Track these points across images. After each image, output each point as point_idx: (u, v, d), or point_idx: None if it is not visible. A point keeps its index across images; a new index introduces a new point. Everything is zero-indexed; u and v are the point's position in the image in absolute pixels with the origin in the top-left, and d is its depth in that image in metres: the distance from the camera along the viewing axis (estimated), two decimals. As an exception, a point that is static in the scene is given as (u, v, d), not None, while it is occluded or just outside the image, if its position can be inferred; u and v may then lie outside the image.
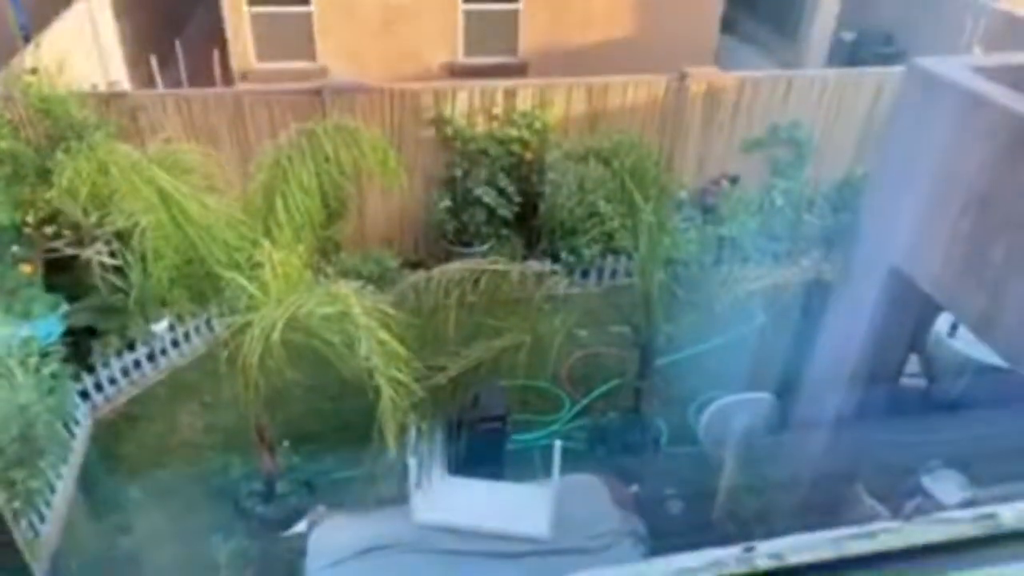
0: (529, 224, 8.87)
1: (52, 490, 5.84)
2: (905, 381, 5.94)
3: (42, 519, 5.60)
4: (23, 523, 5.31)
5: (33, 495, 5.47)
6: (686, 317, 6.25)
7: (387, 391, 4.54)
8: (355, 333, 4.56)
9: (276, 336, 4.56)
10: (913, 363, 6.18)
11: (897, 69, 6.36)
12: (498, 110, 8.61)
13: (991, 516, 0.76)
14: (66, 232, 6.99)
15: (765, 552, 0.57)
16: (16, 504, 5.23)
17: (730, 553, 0.56)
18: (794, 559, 0.58)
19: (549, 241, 8.73)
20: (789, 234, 8.47)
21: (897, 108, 5.18)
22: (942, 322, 6.39)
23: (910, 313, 5.37)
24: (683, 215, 8.40)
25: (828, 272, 6.36)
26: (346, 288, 4.85)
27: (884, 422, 5.89)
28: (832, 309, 5.93)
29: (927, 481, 5.82)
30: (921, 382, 6.19)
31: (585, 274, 8.68)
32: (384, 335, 4.64)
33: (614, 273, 8.75)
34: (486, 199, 8.48)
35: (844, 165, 9.27)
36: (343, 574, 4.90)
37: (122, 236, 6.33)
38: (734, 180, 9.10)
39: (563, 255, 8.48)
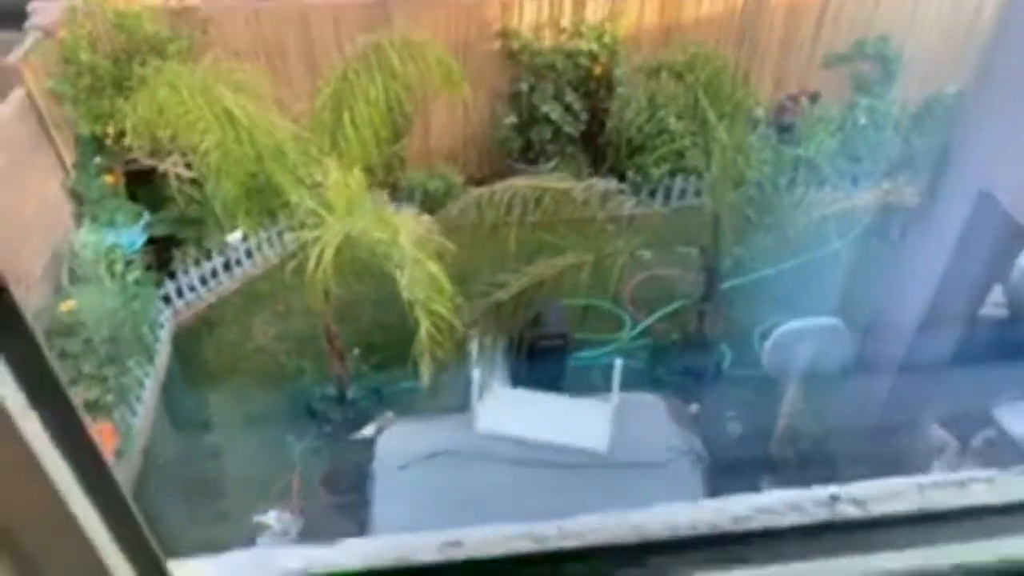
0: (595, 142, 8.67)
1: (142, 387, 6.25)
2: (987, 312, 5.70)
3: (134, 413, 6.03)
4: (116, 416, 5.72)
5: (124, 391, 5.87)
6: (756, 240, 6.09)
7: (425, 324, 4.59)
8: (400, 262, 4.61)
9: (330, 255, 4.66)
10: (997, 293, 5.90)
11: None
12: (566, 22, 8.30)
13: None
14: (139, 136, 7.20)
15: (847, 498, 0.55)
16: (109, 398, 5.63)
17: (810, 496, 0.55)
18: (877, 509, 0.56)
19: (615, 159, 8.54)
20: (871, 155, 8.04)
21: (1006, 21, 4.76)
22: (1031, 251, 6.05)
23: (998, 242, 5.09)
24: (758, 134, 8.05)
25: (911, 196, 6.06)
26: (396, 214, 4.90)
27: (960, 353, 5.70)
28: (913, 235, 5.68)
29: (1000, 413, 5.66)
30: (1003, 313, 5.93)
31: (652, 194, 8.50)
32: (431, 267, 4.66)
33: (682, 193, 8.54)
34: (552, 115, 8.30)
35: (936, 82, 8.66)
36: (409, 476, 5.14)
37: (196, 150, 6.51)
38: (814, 97, 8.62)
39: (630, 174, 8.30)
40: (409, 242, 4.62)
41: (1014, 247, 5.60)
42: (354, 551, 0.51)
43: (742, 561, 0.50)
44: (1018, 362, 5.87)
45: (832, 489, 0.56)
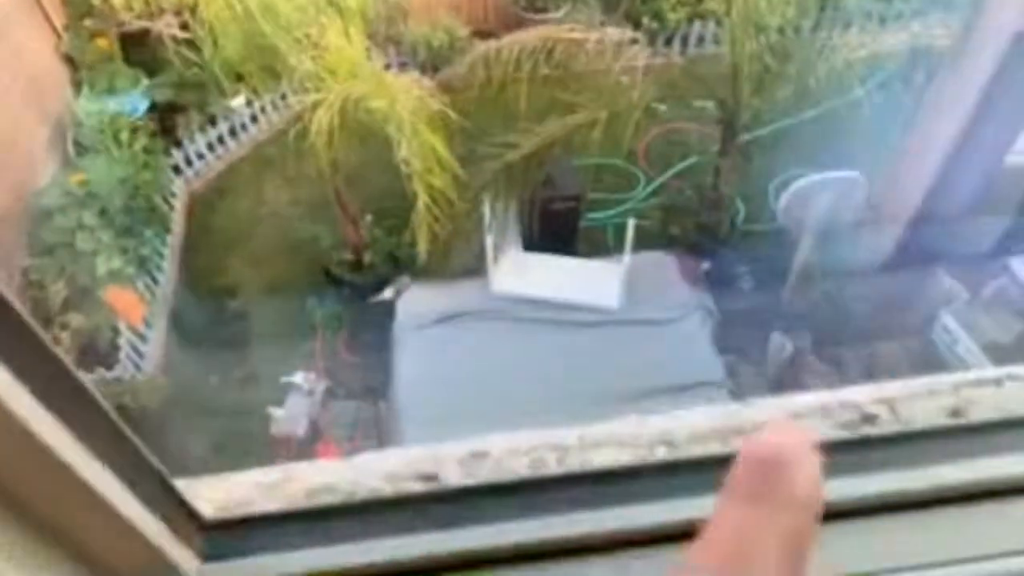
0: (609, -15, 8.14)
1: (161, 257, 6.34)
2: (1012, 159, 5.56)
3: (156, 282, 6.16)
4: (140, 285, 5.86)
5: (144, 261, 5.97)
6: (776, 90, 5.84)
7: (423, 197, 4.52)
8: (397, 134, 4.47)
9: (328, 121, 4.54)
10: (1022, 140, 5.72)
11: None
12: None
13: None
14: (135, 4, 6.86)
15: (874, 398, 0.55)
16: (131, 269, 5.73)
17: (839, 400, 0.55)
18: (907, 418, 0.56)
19: (630, 4, 8.04)
20: (902, -7, 7.52)
21: None
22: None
23: (1031, 85, 4.87)
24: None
25: (941, 38, 5.72)
26: (396, 79, 4.70)
27: (980, 200, 5.62)
28: (942, 78, 5.43)
29: (1016, 263, 5.66)
30: (1028, 161, 5.77)
31: (668, 42, 8.08)
32: (430, 137, 4.52)
33: (700, 40, 8.11)
34: (563, -43, 7.76)
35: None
36: (429, 336, 5.31)
37: (190, 7, 6.19)
38: (846, -73, 7.95)
39: (645, 20, 7.85)
40: (407, 111, 4.47)
41: (1047, 91, 5.35)
42: (376, 468, 0.53)
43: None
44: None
45: (862, 391, 0.56)
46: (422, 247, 4.96)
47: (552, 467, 0.53)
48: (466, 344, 5.24)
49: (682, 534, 0.46)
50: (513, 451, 0.54)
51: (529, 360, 5.08)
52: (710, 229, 6.36)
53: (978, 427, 0.55)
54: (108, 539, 0.43)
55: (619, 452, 0.54)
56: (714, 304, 5.51)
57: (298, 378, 5.62)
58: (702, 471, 0.51)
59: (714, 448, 0.54)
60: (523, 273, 5.58)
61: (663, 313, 5.35)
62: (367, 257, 6.31)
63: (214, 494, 0.54)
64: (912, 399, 0.56)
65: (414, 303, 5.64)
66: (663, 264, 5.69)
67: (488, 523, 0.50)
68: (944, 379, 0.58)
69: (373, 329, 6.02)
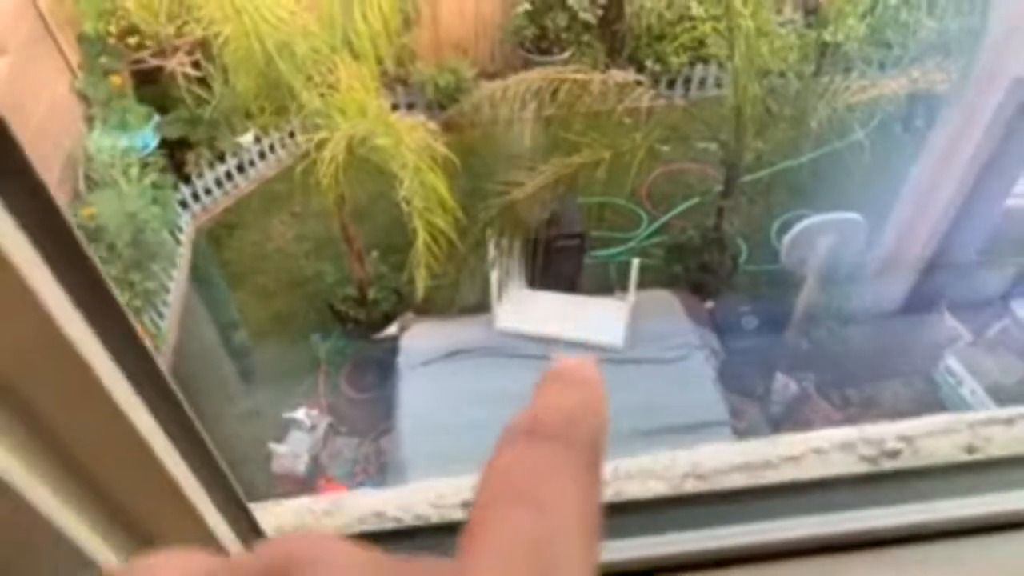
0: (613, 29, 8.32)
1: (167, 291, 6.37)
2: (1012, 202, 5.62)
3: (161, 316, 6.18)
4: (146, 319, 5.88)
5: (151, 295, 6.00)
6: (777, 132, 5.94)
7: (423, 236, 4.57)
8: (401, 172, 4.55)
9: (338, 158, 4.62)
10: (1022, 183, 5.79)
11: None
12: None
13: None
14: (148, 43, 7.01)
15: (894, 434, 0.57)
16: (137, 303, 5.76)
17: (860, 436, 0.57)
18: (925, 450, 0.58)
19: (634, 48, 8.22)
20: (901, 39, 7.67)
21: None
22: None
23: (1030, 130, 4.95)
24: (783, 18, 7.69)
25: (940, 83, 5.83)
26: (402, 120, 4.80)
27: (981, 242, 5.66)
28: (942, 122, 5.51)
29: (1017, 305, 5.68)
30: (1028, 204, 5.84)
31: (671, 84, 8.24)
32: (433, 178, 4.59)
33: (703, 83, 8.27)
34: (568, 1, 7.94)
35: (976, -45, 8.13)
36: (433, 372, 5.31)
37: (203, 46, 6.33)
38: (844, -24, 8.15)
39: (648, 63, 8.02)
40: (411, 151, 4.55)
41: (1046, 136, 5.43)
42: (422, 496, 0.54)
43: (794, 512, 0.53)
44: (1040, 254, 5.83)
45: (881, 429, 0.58)
46: (420, 286, 5.00)
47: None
48: (470, 381, 5.24)
49: (713, 562, 0.47)
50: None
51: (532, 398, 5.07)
52: (713, 269, 6.40)
53: (992, 463, 0.57)
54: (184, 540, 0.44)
55: (652, 484, 0.56)
56: (718, 343, 5.52)
57: (300, 414, 5.61)
58: (730, 502, 0.52)
59: (741, 481, 0.56)
60: (528, 310, 5.61)
61: (668, 352, 5.36)
62: (372, 293, 6.34)
63: (267, 518, 0.55)
64: (930, 436, 0.58)
65: (418, 339, 5.65)
66: (668, 303, 5.72)
67: None
68: (959, 417, 0.61)
69: (377, 365, 6.02)
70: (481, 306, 5.76)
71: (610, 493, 0.56)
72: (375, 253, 6.54)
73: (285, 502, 0.56)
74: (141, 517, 0.40)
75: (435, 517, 0.54)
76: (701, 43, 7.85)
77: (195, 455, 0.45)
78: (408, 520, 0.54)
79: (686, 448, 0.57)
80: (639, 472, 0.56)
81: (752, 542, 0.52)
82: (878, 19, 7.70)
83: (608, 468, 0.56)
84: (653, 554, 0.51)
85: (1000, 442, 0.59)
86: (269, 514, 0.55)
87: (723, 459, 0.57)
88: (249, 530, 0.51)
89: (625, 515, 0.54)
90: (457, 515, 0.54)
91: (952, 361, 5.62)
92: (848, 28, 7.62)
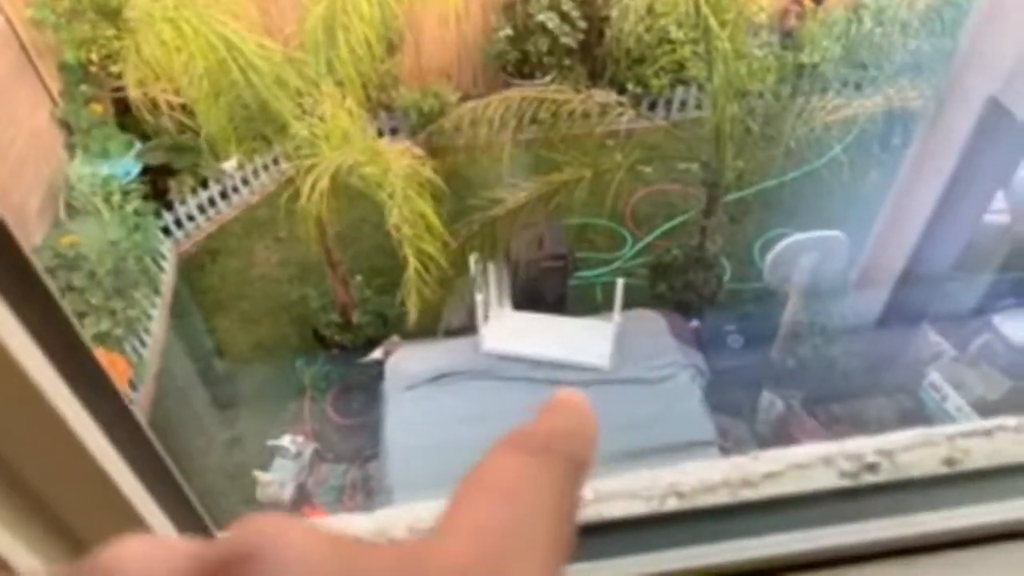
0: (593, 53, 8.43)
1: (149, 319, 6.31)
2: (989, 218, 5.70)
3: (143, 344, 6.12)
4: (127, 347, 5.81)
5: (132, 323, 5.94)
6: (757, 152, 6.01)
7: (413, 262, 4.58)
8: (389, 201, 4.56)
9: (322, 186, 4.63)
10: (999, 200, 5.88)
11: None
12: (562, -76, 7.92)
13: None
14: (147, 78, 7.00)
15: (873, 449, 0.58)
16: (119, 331, 5.70)
17: (840, 450, 0.57)
18: (905, 463, 0.58)
19: (615, 71, 8.31)
20: (876, 60, 7.83)
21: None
22: (1036, 156, 5.99)
23: (1004, 147, 5.04)
24: (760, 41, 7.82)
25: (914, 100, 5.94)
26: (389, 147, 4.82)
27: (960, 259, 5.73)
28: (917, 140, 5.60)
29: (998, 320, 5.74)
30: (1005, 219, 5.93)
31: (652, 106, 8.33)
32: (421, 204, 4.61)
33: (683, 105, 8.37)
34: (549, 25, 8.04)
35: (947, -22, 8.33)
36: (418, 396, 5.27)
37: (183, 76, 6.33)
38: (818, 0, 8.33)
39: (629, 86, 8.11)
40: (399, 177, 4.57)
41: (1018, 153, 5.54)
42: (397, 522, 0.53)
43: (775, 529, 0.53)
44: (1018, 269, 5.91)
45: (860, 443, 0.59)
46: (412, 312, 4.99)
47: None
48: (456, 403, 5.21)
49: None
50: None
51: (520, 419, 5.03)
52: (697, 288, 6.43)
53: (971, 475, 0.57)
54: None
55: (632, 504, 0.55)
56: (704, 362, 5.53)
57: (285, 441, 5.54)
58: (712, 520, 0.52)
59: (723, 498, 0.55)
60: (513, 332, 5.60)
61: (654, 372, 5.36)
62: (356, 317, 6.31)
63: None
64: (909, 449, 0.59)
65: (404, 363, 5.62)
66: (653, 322, 5.73)
67: None
68: (938, 430, 0.61)
69: (362, 390, 5.98)
70: (467, 328, 5.75)
71: (591, 513, 0.55)
72: (359, 277, 6.52)
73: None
74: (73, 519, 0.39)
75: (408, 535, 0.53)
76: (681, 65, 7.96)
77: (137, 454, 0.44)
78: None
79: (667, 467, 0.57)
80: (618, 492, 0.56)
81: (733, 560, 0.51)
82: (852, 41, 7.87)
83: (586, 490, 0.56)
84: (635, 574, 0.51)
85: (980, 454, 0.60)
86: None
87: (703, 476, 0.57)
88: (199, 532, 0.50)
89: (605, 535, 0.54)
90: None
91: (936, 377, 5.66)
92: (823, 50, 7.78)
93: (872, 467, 0.58)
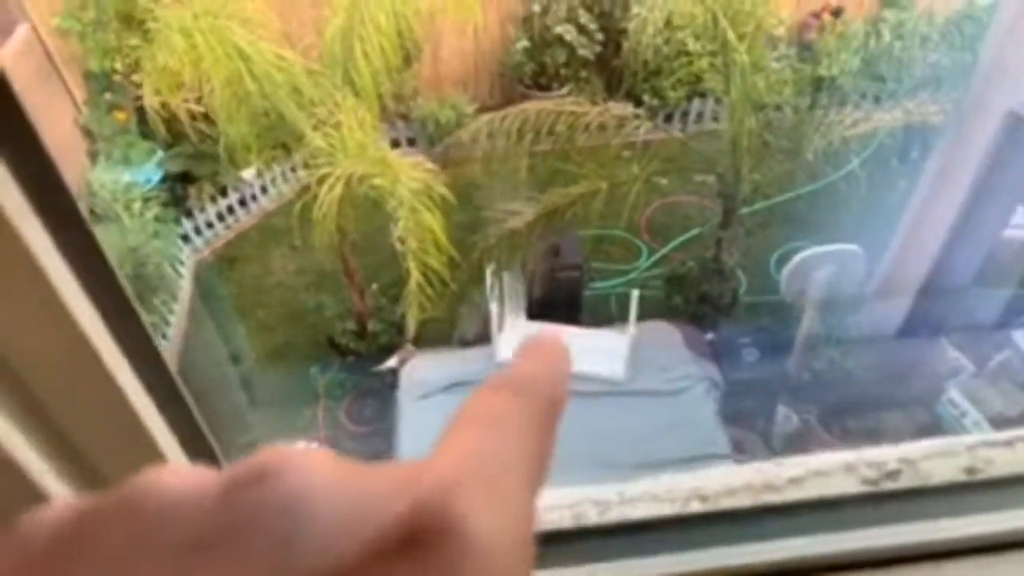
0: (611, 65, 8.45)
1: (167, 324, 6.37)
2: (1008, 233, 5.65)
3: (161, 350, 6.16)
4: (145, 353, 5.86)
5: (152, 329, 6.00)
6: (774, 165, 6.00)
7: (415, 275, 4.60)
8: (396, 212, 4.59)
9: (334, 195, 4.67)
10: (1019, 215, 5.83)
11: None
12: (580, -63, 7.97)
13: None
14: (162, 87, 7.11)
15: (895, 457, 0.58)
16: (137, 336, 5.75)
17: (862, 458, 0.57)
18: (925, 471, 0.58)
19: (632, 83, 8.33)
20: (895, 73, 7.80)
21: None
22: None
23: (1023, 161, 5.00)
24: (778, 53, 7.81)
25: (935, 115, 5.91)
26: (400, 159, 4.86)
27: (980, 274, 5.68)
28: (936, 154, 5.57)
29: (1019, 336, 5.67)
30: (1025, 235, 5.87)
31: (669, 118, 8.33)
32: (429, 218, 4.63)
33: (700, 117, 8.37)
34: (566, 37, 8.08)
35: (967, -7, 8.30)
36: (432, 405, 5.28)
37: (205, 85, 6.42)
38: (837, 13, 8.31)
39: (646, 98, 8.12)
40: (408, 190, 4.60)
41: (1040, 167, 5.49)
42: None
43: (796, 532, 0.53)
44: (1039, 284, 5.84)
45: (881, 452, 0.59)
46: (412, 324, 5.01)
47: (593, 519, 0.55)
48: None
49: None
50: (555, 506, 0.56)
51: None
52: (713, 300, 6.41)
53: (993, 483, 0.57)
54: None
55: (657, 506, 0.56)
56: (719, 375, 5.51)
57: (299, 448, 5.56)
58: (734, 522, 0.53)
59: (745, 502, 0.56)
60: (528, 342, 5.59)
61: (669, 384, 5.34)
62: (371, 326, 6.34)
63: None
64: (930, 458, 0.59)
65: (418, 372, 5.63)
66: (668, 334, 5.71)
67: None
68: (959, 440, 0.61)
69: (376, 398, 5.99)
70: (481, 338, 5.75)
71: (615, 515, 0.56)
72: (375, 286, 6.56)
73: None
74: (101, 457, 0.41)
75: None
76: (698, 78, 7.98)
77: (165, 398, 0.46)
78: None
79: (688, 472, 0.58)
80: (642, 495, 0.57)
81: (753, 562, 0.52)
82: (871, 54, 7.84)
83: (612, 492, 0.57)
84: (657, 574, 0.51)
85: (1001, 464, 0.60)
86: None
87: (725, 481, 0.57)
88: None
89: (630, 536, 0.54)
90: None
91: (955, 393, 5.60)
92: (842, 62, 7.75)
93: (893, 474, 0.58)
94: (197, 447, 0.49)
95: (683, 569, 0.52)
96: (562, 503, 0.56)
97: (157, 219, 6.58)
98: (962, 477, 0.59)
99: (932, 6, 8.34)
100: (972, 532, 0.55)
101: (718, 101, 7.73)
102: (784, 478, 0.57)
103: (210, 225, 7.41)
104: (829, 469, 0.57)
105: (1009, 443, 0.59)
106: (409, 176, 4.81)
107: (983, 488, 0.58)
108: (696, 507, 0.56)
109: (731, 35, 5.47)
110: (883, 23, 8.14)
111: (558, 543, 0.54)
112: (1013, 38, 4.63)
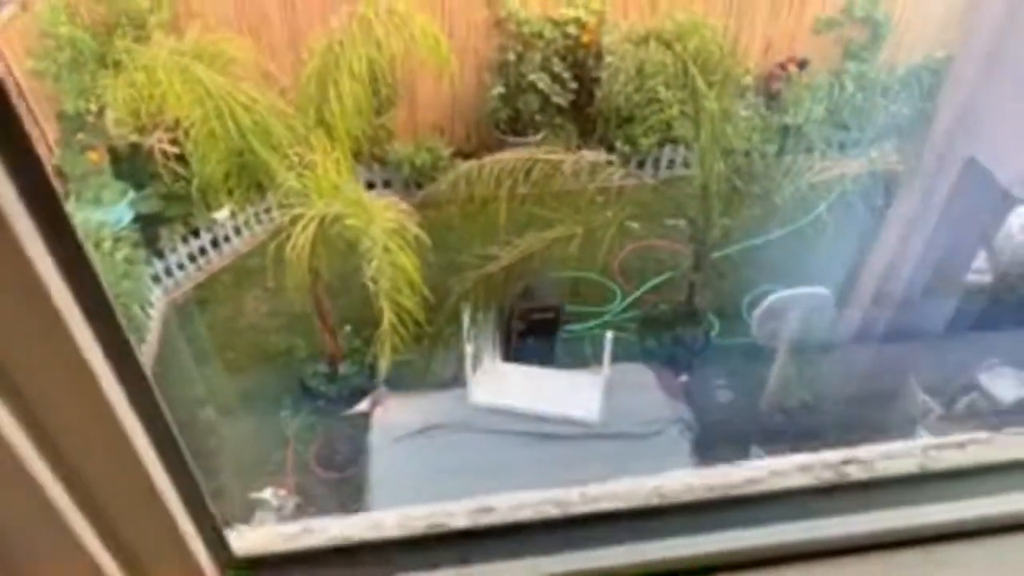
0: (584, 112, 8.63)
1: (133, 367, 6.23)
2: (971, 277, 5.78)
3: (126, 393, 6.02)
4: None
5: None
6: (744, 209, 6.12)
7: (388, 315, 4.59)
8: (369, 252, 4.60)
9: (307, 236, 4.67)
10: (980, 260, 5.98)
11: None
12: (554, -11, 8.21)
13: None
14: (122, 120, 7.11)
15: (851, 458, 0.59)
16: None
17: (817, 459, 0.58)
18: (881, 469, 0.60)
19: (604, 130, 8.50)
20: (858, 122, 8.05)
21: (991, -17, 4.76)
22: (1015, 218, 6.12)
23: (983, 207, 5.15)
24: (747, 102, 8.04)
25: (898, 163, 6.09)
26: (375, 200, 4.89)
27: (945, 318, 5.79)
28: (900, 201, 5.72)
29: (984, 378, 5.76)
30: (987, 278, 6.02)
31: (641, 164, 8.49)
32: (402, 258, 4.64)
33: (671, 164, 8.54)
34: (540, 85, 8.24)
35: (924, 47, 8.65)
36: (404, 449, 5.20)
37: (180, 126, 6.43)
38: (802, 64, 8.60)
39: (618, 145, 8.28)
40: (381, 231, 4.61)
41: (998, 213, 5.67)
42: (387, 521, 0.53)
43: (755, 522, 0.53)
44: (1002, 328, 5.96)
45: (839, 453, 0.59)
46: (384, 366, 4.96)
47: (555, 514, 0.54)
48: (443, 457, 5.14)
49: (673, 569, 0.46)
50: (519, 506, 0.56)
51: (507, 473, 4.97)
52: (686, 343, 6.45)
53: (941, 475, 0.58)
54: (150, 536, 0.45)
55: (618, 503, 0.55)
56: (693, 417, 5.51)
57: (267, 494, 5.42)
58: (691, 514, 0.53)
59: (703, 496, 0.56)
60: (502, 384, 5.56)
61: (643, 427, 5.32)
62: (343, 368, 6.27)
63: (240, 543, 0.55)
64: (885, 459, 0.59)
65: (390, 415, 5.56)
66: (642, 376, 5.72)
67: (495, 561, 0.52)
68: (914, 443, 0.62)
69: (347, 442, 5.89)
70: (457, 379, 5.71)
71: (584, 509, 0.56)
72: (348, 328, 6.50)
73: (255, 529, 0.56)
74: (124, 527, 0.42)
75: (400, 532, 0.53)
76: (669, 125, 8.16)
77: (178, 475, 0.47)
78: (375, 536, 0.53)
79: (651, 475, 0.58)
80: (603, 495, 0.56)
81: (707, 552, 0.51)
82: (835, 103, 8.10)
83: (574, 493, 0.57)
84: (624, 563, 0.51)
85: (950, 463, 0.60)
86: (240, 540, 0.55)
87: (686, 481, 0.57)
88: (220, 546, 0.52)
89: (594, 529, 0.54)
90: (421, 530, 0.54)
91: (924, 434, 5.64)
92: (807, 111, 7.99)
93: (845, 474, 0.59)
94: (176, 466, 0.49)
95: (639, 559, 0.51)
96: (524, 504, 0.56)
97: (127, 260, 6.49)
98: (913, 470, 0.59)
99: (893, 59, 8.67)
100: (924, 522, 0.55)
101: (689, 148, 7.90)
102: (744, 478, 0.56)
103: (181, 266, 7.33)
104: (785, 470, 0.57)
105: (961, 446, 0.60)
106: (383, 216, 4.82)
107: (934, 480, 0.58)
108: (656, 502, 0.55)
109: (700, 84, 5.63)
110: (846, 74, 8.43)
111: (519, 536, 0.54)
112: (971, 88, 4.82)
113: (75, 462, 0.40)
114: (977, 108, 4.74)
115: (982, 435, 0.62)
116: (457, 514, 0.55)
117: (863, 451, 0.61)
